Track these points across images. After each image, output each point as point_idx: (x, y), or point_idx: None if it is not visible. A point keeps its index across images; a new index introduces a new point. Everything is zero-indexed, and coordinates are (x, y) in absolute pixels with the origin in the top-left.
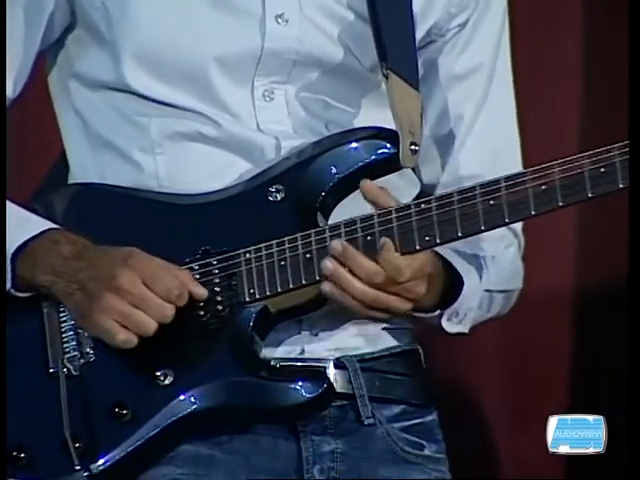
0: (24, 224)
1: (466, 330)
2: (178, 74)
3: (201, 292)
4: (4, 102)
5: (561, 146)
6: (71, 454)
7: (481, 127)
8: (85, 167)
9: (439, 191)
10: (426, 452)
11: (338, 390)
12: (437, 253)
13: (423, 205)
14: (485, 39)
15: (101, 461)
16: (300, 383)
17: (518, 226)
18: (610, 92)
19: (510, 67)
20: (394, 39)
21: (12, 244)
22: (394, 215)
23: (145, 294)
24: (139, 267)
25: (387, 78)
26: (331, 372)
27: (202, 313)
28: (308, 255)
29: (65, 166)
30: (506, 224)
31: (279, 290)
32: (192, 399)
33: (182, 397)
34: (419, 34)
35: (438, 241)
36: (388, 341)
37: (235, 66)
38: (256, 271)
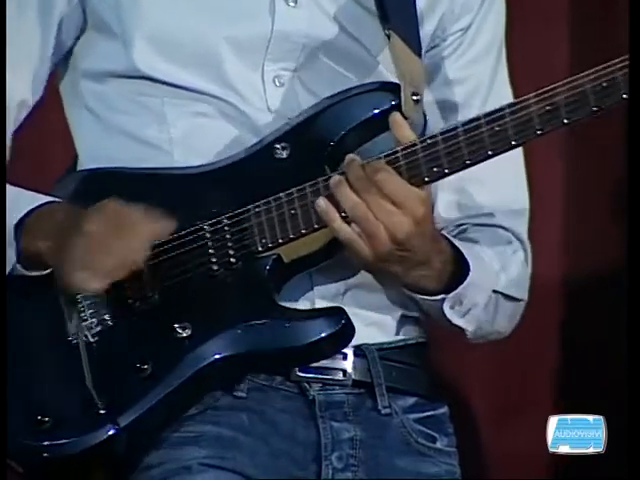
0: (25, 200)
1: (470, 328)
2: (189, 56)
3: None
4: (4, 101)
5: (552, 142)
6: (95, 403)
7: None
8: (95, 155)
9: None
10: (438, 445)
11: (356, 378)
12: (450, 242)
13: (429, 140)
14: (486, 42)
15: (126, 415)
16: (317, 320)
17: (524, 232)
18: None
19: (506, 69)
20: (396, 6)
21: (14, 218)
22: (400, 153)
23: (110, 241)
24: (108, 216)
25: (389, 38)
26: (350, 359)
27: (215, 268)
28: (322, 221)
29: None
30: (513, 147)
31: (291, 236)
32: (212, 348)
33: (202, 347)
34: (427, 29)
35: (447, 171)
36: (404, 332)
37: (246, 48)
38: (267, 222)
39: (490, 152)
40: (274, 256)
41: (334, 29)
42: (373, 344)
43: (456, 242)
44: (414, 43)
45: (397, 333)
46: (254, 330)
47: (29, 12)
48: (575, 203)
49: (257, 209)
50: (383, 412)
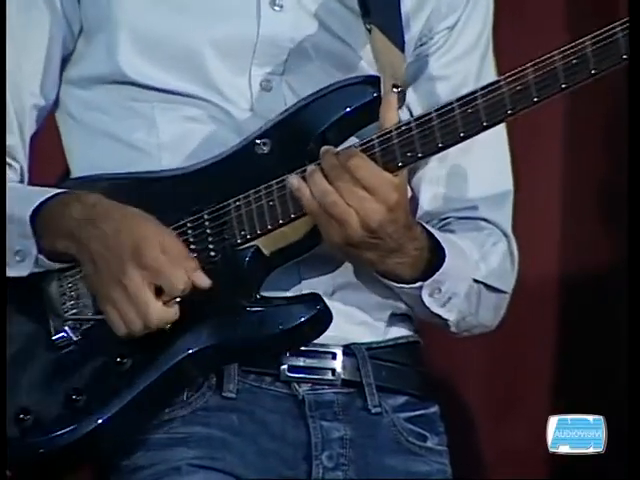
0: (35, 193)
1: (451, 318)
2: (175, 60)
3: (205, 283)
4: (4, 98)
5: (546, 141)
6: (86, 400)
7: None
8: (82, 163)
9: (431, 186)
10: (429, 444)
11: (346, 377)
12: (429, 232)
13: (403, 127)
14: (472, 40)
15: (108, 408)
16: (295, 306)
17: (508, 226)
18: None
19: (494, 64)
20: (380, 6)
21: (27, 210)
22: (376, 141)
23: (147, 300)
24: (146, 264)
25: (370, 32)
26: (339, 359)
27: None
28: (295, 196)
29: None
30: (485, 128)
31: (269, 227)
32: (190, 340)
33: (182, 338)
34: (414, 29)
35: (420, 155)
36: (394, 331)
37: (232, 53)
38: (246, 215)
39: (462, 134)
40: (253, 248)
41: (319, 31)
42: (362, 343)
43: (432, 230)
44: (396, 36)
45: (387, 332)
46: (233, 320)
47: (34, 12)
48: (572, 202)
49: (237, 203)
50: (373, 411)
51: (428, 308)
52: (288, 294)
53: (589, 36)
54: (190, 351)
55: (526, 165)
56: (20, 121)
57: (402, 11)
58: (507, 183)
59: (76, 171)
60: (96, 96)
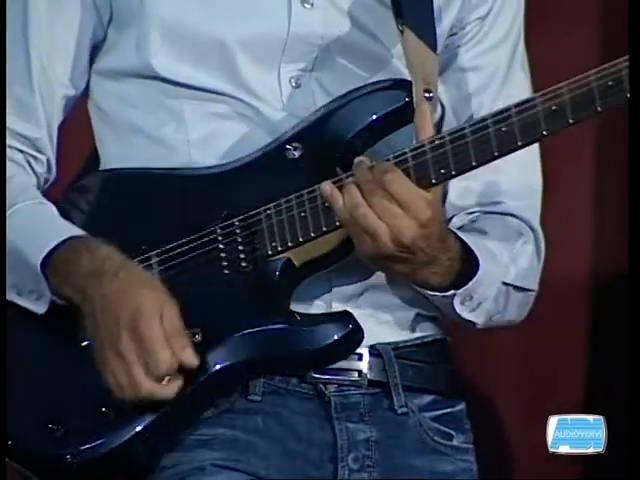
0: (45, 235)
1: (479, 322)
2: (205, 58)
3: (193, 363)
4: (4, 99)
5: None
6: (117, 413)
7: None
8: (112, 155)
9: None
10: (454, 442)
11: (372, 378)
12: (459, 238)
13: (437, 141)
14: (503, 30)
15: (142, 419)
16: (325, 325)
17: (536, 221)
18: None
19: (526, 57)
20: (413, 5)
21: (37, 256)
22: (409, 154)
23: (138, 374)
24: (140, 336)
25: (402, 33)
26: (366, 359)
27: (227, 272)
28: (327, 204)
29: (96, 159)
30: (519, 147)
31: (300, 240)
32: (222, 354)
33: (212, 353)
34: (444, 25)
35: (454, 172)
36: (420, 330)
37: (261, 51)
38: (277, 225)
39: (496, 153)
40: (284, 260)
41: (350, 28)
42: (389, 343)
43: (464, 237)
44: (429, 37)
45: (413, 331)
46: (263, 336)
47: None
48: (604, 201)
49: (268, 211)
50: (399, 412)
51: (458, 314)
52: (317, 298)
53: (623, 58)
54: (218, 367)
55: (557, 163)
56: (49, 112)
57: (434, 6)
58: (536, 178)
59: (106, 162)
60: (125, 89)
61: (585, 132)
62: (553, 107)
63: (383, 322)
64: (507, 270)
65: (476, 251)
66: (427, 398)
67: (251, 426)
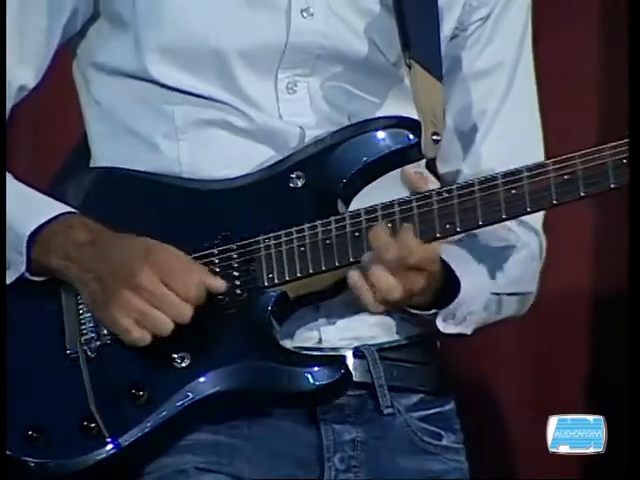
0: (39, 207)
1: (468, 332)
2: (201, 65)
3: (219, 285)
4: (4, 102)
5: (581, 140)
6: (100, 428)
7: (503, 123)
8: (106, 153)
9: None
10: (444, 442)
11: (357, 380)
12: (442, 260)
13: (445, 194)
14: (508, 35)
15: (119, 441)
16: (317, 368)
17: (538, 224)
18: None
19: (532, 63)
20: (418, 29)
21: (27, 227)
22: (415, 204)
23: (163, 293)
24: (158, 264)
25: (410, 68)
26: (350, 361)
27: (220, 297)
28: (328, 241)
29: (86, 151)
30: (527, 213)
31: (298, 275)
32: (208, 382)
33: (199, 380)
34: (446, 28)
35: (459, 229)
36: (406, 330)
37: (258, 59)
38: (275, 257)
39: (504, 216)
40: (280, 292)
41: (353, 39)
42: (373, 344)
43: (448, 257)
44: (436, 68)
45: (397, 332)
46: (251, 370)
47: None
48: (605, 208)
49: (267, 241)
50: (385, 412)
51: (442, 332)
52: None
53: None
54: (201, 396)
55: None
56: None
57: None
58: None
59: (97, 159)
60: (122, 88)
61: (585, 135)
62: (565, 176)
63: (368, 324)
64: (496, 282)
65: (459, 268)
66: (414, 398)
67: (235, 429)
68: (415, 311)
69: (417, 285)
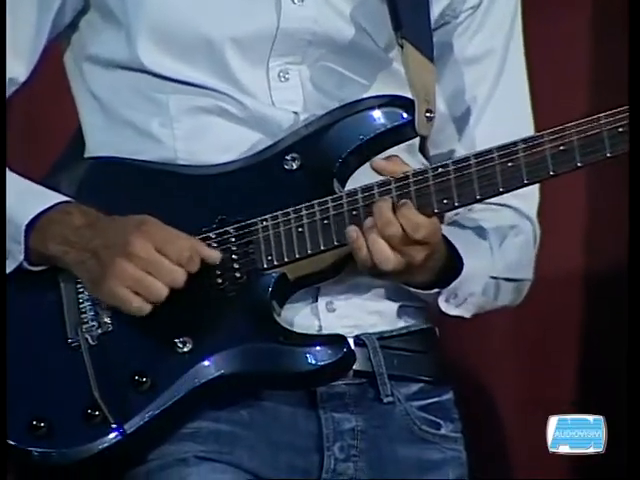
0: (36, 197)
1: (467, 315)
2: (194, 53)
3: (213, 255)
4: (4, 99)
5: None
6: (104, 416)
7: (494, 109)
8: (102, 143)
9: None
10: (442, 431)
11: (358, 368)
12: (446, 238)
13: (440, 169)
14: (498, 22)
15: (123, 428)
16: (319, 348)
17: (532, 212)
18: (619, 70)
19: (522, 50)
20: (409, 10)
21: (24, 217)
22: (412, 179)
23: (156, 259)
24: (151, 233)
25: (402, 47)
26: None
27: (220, 281)
28: (326, 221)
29: (81, 143)
30: (524, 185)
31: (297, 256)
32: (211, 366)
33: (201, 364)
34: (435, 12)
35: (456, 204)
36: (405, 319)
37: (250, 46)
38: (273, 238)
39: (502, 189)
40: (279, 274)
41: (343, 25)
42: (373, 333)
43: (450, 235)
44: (427, 48)
45: (398, 321)
46: (253, 352)
47: None
48: (599, 192)
49: (264, 223)
50: (385, 401)
51: (444, 312)
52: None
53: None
54: (205, 379)
55: None
56: None
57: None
58: None
59: (93, 149)
60: (116, 79)
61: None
62: (561, 147)
63: (369, 312)
64: (494, 265)
65: (461, 249)
66: (414, 387)
67: (236, 418)
68: (418, 290)
69: (417, 258)
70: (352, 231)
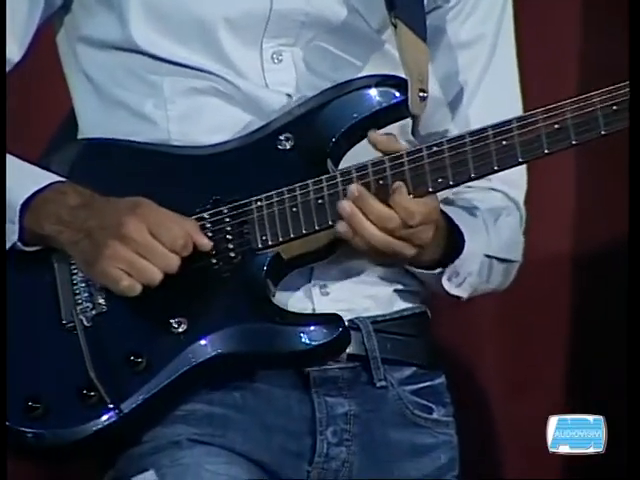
0: (31, 177)
1: (465, 296)
2: (187, 33)
3: (205, 242)
4: (4, 99)
5: None
6: (100, 396)
7: (484, 94)
8: (95, 125)
9: None
10: (434, 416)
11: (351, 352)
12: (442, 210)
13: (435, 148)
14: (489, 7)
15: (119, 409)
16: (314, 327)
17: (520, 198)
18: (609, 55)
19: (513, 35)
20: None
21: (19, 197)
22: (406, 158)
23: (150, 243)
24: (145, 215)
25: (395, 27)
26: None
27: (214, 261)
28: (320, 201)
29: (74, 125)
30: (520, 164)
31: (292, 236)
32: (206, 346)
33: (196, 344)
34: None
35: (451, 183)
36: (399, 303)
37: (243, 27)
38: (268, 218)
39: (496, 167)
40: (273, 254)
41: (336, 6)
42: (367, 317)
43: (450, 213)
44: (420, 28)
45: (392, 305)
46: (248, 331)
47: None
48: (587, 177)
49: (258, 202)
50: (378, 385)
51: (446, 291)
52: (297, 272)
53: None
54: (201, 359)
55: None
56: None
57: None
58: None
59: (86, 131)
60: (109, 61)
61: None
62: (555, 125)
63: (362, 296)
64: (490, 243)
65: (461, 227)
66: (407, 371)
67: (229, 401)
68: (420, 270)
69: (426, 237)
70: (346, 205)
